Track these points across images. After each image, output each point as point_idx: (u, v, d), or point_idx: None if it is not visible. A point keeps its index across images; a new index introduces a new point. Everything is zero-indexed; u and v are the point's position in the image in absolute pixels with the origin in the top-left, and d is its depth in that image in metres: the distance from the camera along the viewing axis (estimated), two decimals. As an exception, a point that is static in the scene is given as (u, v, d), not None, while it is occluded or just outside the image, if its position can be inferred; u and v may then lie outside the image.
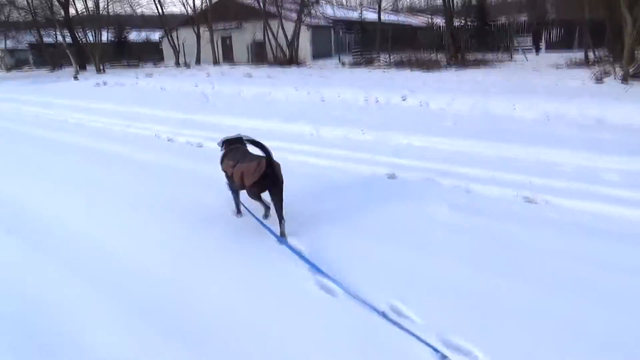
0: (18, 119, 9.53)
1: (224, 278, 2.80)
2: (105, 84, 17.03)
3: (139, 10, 30.97)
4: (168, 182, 4.83)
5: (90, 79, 20.12)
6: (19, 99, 13.65)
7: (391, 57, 21.60)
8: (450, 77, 14.68)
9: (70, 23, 30.89)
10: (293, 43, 22.51)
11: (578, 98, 8.99)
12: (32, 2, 32.14)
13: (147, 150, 6.35)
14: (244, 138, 3.65)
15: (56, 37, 36.17)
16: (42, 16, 32.02)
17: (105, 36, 31.58)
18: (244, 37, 31.30)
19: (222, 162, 3.68)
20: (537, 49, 23.49)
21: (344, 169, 5.25)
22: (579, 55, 17.89)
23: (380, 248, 3.17)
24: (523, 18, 36.02)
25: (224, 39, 32.62)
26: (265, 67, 22.76)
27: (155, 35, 41.40)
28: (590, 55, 17.05)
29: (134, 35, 40.97)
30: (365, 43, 28.84)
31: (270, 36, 24.29)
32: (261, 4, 23.74)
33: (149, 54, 38.77)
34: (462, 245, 3.21)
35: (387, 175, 4.87)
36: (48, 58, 36.37)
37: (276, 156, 3.34)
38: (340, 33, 33.76)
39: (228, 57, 32.31)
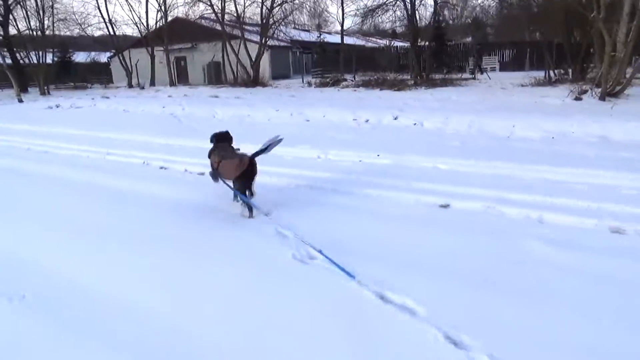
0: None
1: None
2: (58, 106, 15.64)
3: (88, 31, 29.09)
4: (194, 221, 4.04)
5: (38, 101, 18.56)
6: None
7: (356, 77, 21.45)
8: (426, 96, 14.54)
9: (10, 43, 28.77)
10: (257, 63, 21.89)
11: (572, 116, 8.93)
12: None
13: (143, 181, 5.46)
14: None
15: (-5, 58, 33.71)
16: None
17: (48, 57, 29.53)
18: (199, 58, 30.41)
19: (210, 155, 4.35)
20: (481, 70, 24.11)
21: (378, 198, 4.65)
22: (534, 74, 18.49)
23: (482, 297, 2.59)
24: (467, 39, 37.39)
25: (178, 60, 31.57)
26: (227, 88, 21.97)
27: (103, 57, 39.56)
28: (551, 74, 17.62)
29: (80, 57, 38.90)
30: (324, 64, 28.82)
31: (232, 56, 23.59)
32: (222, 24, 23.00)
33: (96, 75, 36.85)
34: (575, 291, 2.69)
35: (439, 205, 4.30)
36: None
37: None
38: (298, 54, 33.59)
39: (183, 78, 31.26)
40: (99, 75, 36.94)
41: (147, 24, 28.11)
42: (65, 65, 33.44)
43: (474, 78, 20.57)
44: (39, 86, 27.11)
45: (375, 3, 19.81)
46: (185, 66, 31.76)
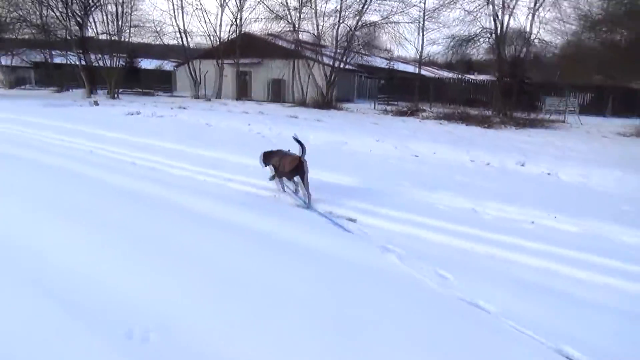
0: (68, 155, 7.55)
1: None
2: (139, 113, 15.13)
3: (161, 39, 29.18)
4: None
5: (116, 106, 18.23)
6: (43, 124, 11.60)
7: (433, 108, 20.37)
8: (523, 137, 13.26)
9: (85, 45, 29.17)
10: (333, 85, 21.11)
11: None
12: (46, 20, 30.46)
13: (290, 220, 4.46)
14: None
15: (66, 58, 34.46)
16: (57, 35, 30.25)
17: (117, 61, 29.79)
18: (263, 74, 30.02)
19: (265, 158, 5.69)
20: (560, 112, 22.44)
21: (592, 284, 3.48)
22: (623, 122, 17.03)
23: None
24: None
25: (241, 74, 31.30)
26: (298, 107, 21.28)
27: (167, 65, 39.96)
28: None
29: (144, 63, 39.45)
30: (391, 91, 27.91)
31: (300, 75, 23.04)
32: (298, 44, 22.45)
33: (159, 83, 37.19)
34: None
35: None
36: (55, 78, 34.36)
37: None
38: (362, 78, 32.82)
39: (244, 93, 30.87)
40: (162, 83, 37.25)
41: (220, 36, 27.82)
42: (132, 71, 33.76)
43: (563, 121, 19.06)
44: (109, 89, 27.24)
45: (465, 33, 18.69)
46: (249, 81, 31.40)
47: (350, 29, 19.99)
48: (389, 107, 20.90)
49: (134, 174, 6.30)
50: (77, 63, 28.54)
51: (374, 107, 23.02)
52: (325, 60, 24.42)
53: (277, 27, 22.56)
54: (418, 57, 22.58)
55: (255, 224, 4.42)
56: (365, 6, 19.10)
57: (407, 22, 19.75)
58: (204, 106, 20.34)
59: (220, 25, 28.02)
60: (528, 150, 10.45)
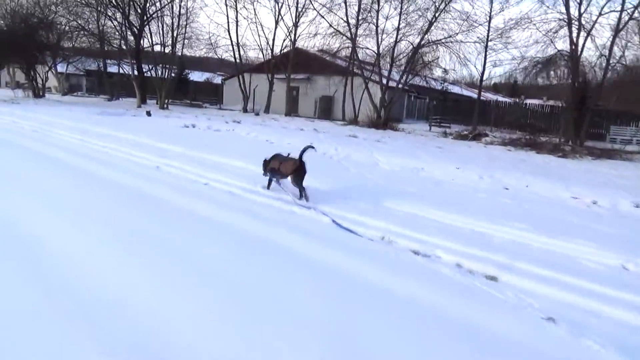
0: (135, 171, 6.90)
1: None
2: (194, 126, 14.65)
3: (219, 53, 29.19)
4: None
5: (170, 117, 17.93)
6: (103, 134, 11.14)
7: (494, 132, 19.18)
8: (609, 170, 11.95)
9: (139, 55, 29.45)
10: (390, 104, 20.25)
11: None
12: (103, 29, 31.04)
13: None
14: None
15: (119, 67, 35.03)
16: (112, 45, 30.73)
17: (168, 72, 29.91)
18: (312, 91, 29.58)
19: (268, 163, 6.22)
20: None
21: None
22: None
23: None
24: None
25: (290, 90, 30.91)
26: (353, 126, 20.49)
27: (216, 78, 40.19)
28: None
29: (193, 75, 39.79)
30: (444, 112, 26.88)
31: (354, 93, 22.34)
32: (356, 62, 21.80)
33: (206, 95, 37.34)
34: None
35: None
36: (106, 86, 34.92)
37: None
38: (412, 97, 31.88)
39: (292, 108, 30.41)
40: (209, 96, 37.38)
41: (272, 50, 27.53)
42: (181, 82, 33.95)
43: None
44: (159, 99, 27.26)
45: (538, 55, 17.49)
46: (297, 97, 30.97)
47: (414, 47, 19.09)
48: (447, 130, 19.77)
49: (213, 200, 5.54)
50: (130, 73, 28.79)
51: (429, 129, 22.01)
52: (378, 78, 23.72)
53: (335, 43, 21.94)
54: (468, 78, 21.44)
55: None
56: (432, 24, 18.19)
57: (474, 42, 18.72)
58: (256, 120, 19.84)
59: (274, 39, 27.47)
60: (630, 187, 9.21)
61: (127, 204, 5.00)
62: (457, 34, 19.07)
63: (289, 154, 6.18)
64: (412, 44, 19.38)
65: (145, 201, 5.20)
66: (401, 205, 6.04)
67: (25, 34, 26.24)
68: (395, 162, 10.24)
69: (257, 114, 25.96)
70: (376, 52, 20.58)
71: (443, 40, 18.50)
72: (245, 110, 27.99)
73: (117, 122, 14.63)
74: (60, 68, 36.58)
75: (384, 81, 22.30)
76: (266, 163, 6.28)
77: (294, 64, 26.50)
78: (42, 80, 30.46)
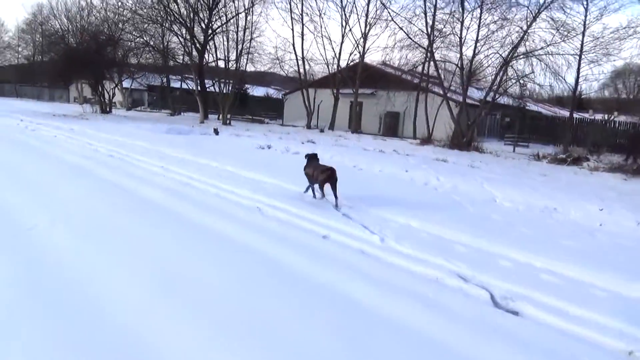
0: (232, 214, 5.75)
1: None
2: (270, 147, 13.65)
3: (280, 67, 28.56)
4: None
5: (241, 137, 17.04)
6: (179, 158, 10.18)
7: (594, 155, 17.06)
8: None
9: (202, 70, 29.26)
10: (475, 123, 18.61)
11: None
12: (167, 45, 31.16)
13: None
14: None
15: (181, 82, 35.16)
16: (176, 60, 30.76)
17: (230, 87, 29.47)
18: (376, 106, 28.21)
19: (306, 167, 6.73)
20: None
21: None
22: None
23: None
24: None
25: (356, 105, 29.77)
26: (428, 146, 19.00)
27: (275, 93, 39.71)
28: None
29: (252, 90, 39.46)
30: (519, 130, 24.84)
31: (425, 109, 20.83)
32: (430, 78, 20.37)
33: (267, 110, 36.85)
34: None
35: None
36: (170, 102, 35.12)
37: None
38: (482, 114, 29.88)
39: (357, 125, 29.19)
40: (269, 111, 36.86)
41: (339, 64, 26.53)
42: (242, 98, 33.59)
43: None
44: (222, 115, 26.77)
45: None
46: (360, 112, 29.73)
47: (504, 60, 17.36)
48: (533, 151, 17.81)
49: (338, 262, 4.24)
50: (194, 88, 28.59)
51: (513, 150, 20.14)
52: (455, 93, 22.15)
53: (409, 55, 20.58)
54: (573, 94, 19.36)
55: None
56: (526, 33, 16.44)
57: (570, 54, 16.78)
58: (327, 139, 18.69)
59: (340, 52, 26.46)
60: None
61: (256, 280, 3.74)
62: (549, 45, 17.20)
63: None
64: (500, 55, 17.60)
65: (279, 273, 3.94)
66: (576, 271, 4.52)
67: (94, 50, 26.59)
68: (515, 197, 8.62)
69: (322, 131, 24.96)
70: (458, 65, 18.97)
71: (536, 53, 16.64)
72: (309, 126, 27.05)
73: (189, 143, 13.82)
74: (125, 83, 37.23)
75: (457, 97, 20.78)
76: (308, 159, 6.94)
77: (360, 78, 25.42)
78: (110, 95, 30.84)
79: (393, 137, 24.76)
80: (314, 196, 6.63)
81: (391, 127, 27.67)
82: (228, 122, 26.45)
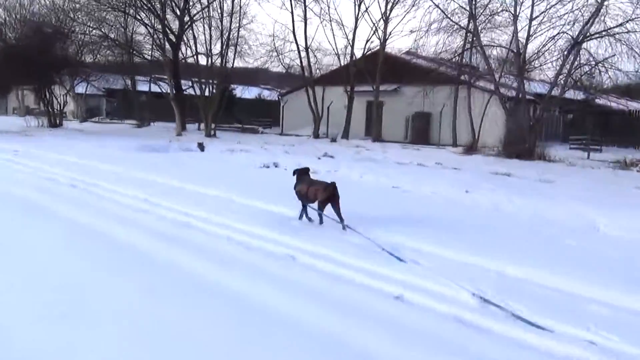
0: (261, 269, 5.18)
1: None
2: (276, 165, 13.17)
3: (285, 62, 28.35)
4: None
5: (235, 153, 16.56)
6: (174, 188, 9.66)
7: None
8: None
9: (178, 68, 28.96)
10: (539, 124, 18.16)
11: None
12: (132, 37, 30.88)
13: None
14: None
15: (150, 84, 34.85)
16: (144, 56, 30.52)
17: (212, 89, 29.01)
18: (400, 106, 27.78)
19: (297, 185, 6.88)
20: None
21: None
22: None
23: None
24: None
25: (370, 106, 29.29)
26: (475, 156, 18.50)
27: (269, 94, 39.46)
28: None
29: (240, 91, 39.00)
30: (584, 129, 24.41)
31: (467, 110, 20.45)
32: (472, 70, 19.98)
33: (259, 116, 36.42)
34: None
35: None
36: (136, 109, 34.71)
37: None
38: (537, 110, 29.51)
39: (376, 130, 28.76)
40: (262, 117, 36.43)
41: (353, 55, 26.24)
42: (229, 101, 33.03)
43: None
44: (206, 124, 26.34)
45: None
46: (381, 115, 29.29)
47: (574, 40, 16.86)
48: (625, 159, 17.24)
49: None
50: (168, 91, 28.27)
51: (588, 157, 19.66)
52: (481, 85, 21.70)
53: (446, 41, 20.23)
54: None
55: None
56: (603, 6, 15.99)
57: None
58: (345, 151, 18.27)
59: (354, 39, 26.12)
60: None
61: None
62: (627, 20, 16.77)
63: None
64: (570, 36, 17.09)
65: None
66: None
67: (38, 47, 26.14)
68: (623, 222, 8.02)
69: (334, 140, 24.58)
70: (511, 48, 18.57)
71: (616, 31, 16.17)
72: (316, 134, 26.68)
73: (171, 163, 13.39)
74: (79, 88, 36.87)
75: (507, 92, 20.31)
76: (298, 174, 7.04)
77: (375, 72, 25.09)
78: (60, 104, 30.45)
79: (425, 145, 24.32)
80: (307, 218, 6.88)
81: (421, 131, 27.27)
82: (213, 133, 26.01)
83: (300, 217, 6.89)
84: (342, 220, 6.40)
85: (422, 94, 23.37)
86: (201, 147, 18.01)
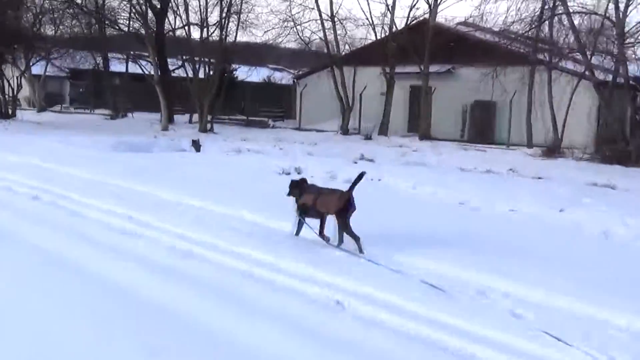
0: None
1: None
2: (299, 171, 13.01)
3: (305, 35, 28.36)
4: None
5: (243, 153, 16.68)
6: (171, 202, 9.47)
7: None
8: None
9: (164, 44, 29.05)
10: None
11: None
12: (104, 3, 31.00)
13: None
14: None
15: (127, 64, 34.97)
16: (119, 27, 30.66)
17: (208, 71, 29.06)
18: (454, 92, 27.49)
19: (300, 197, 7.01)
20: None
21: None
22: None
23: None
24: None
25: (415, 92, 29.05)
26: (558, 160, 18.30)
27: (281, 77, 39.50)
28: None
29: (243, 73, 38.92)
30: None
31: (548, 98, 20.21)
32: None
33: (268, 106, 36.46)
34: None
35: None
36: (110, 96, 34.79)
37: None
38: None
39: (422, 124, 28.50)
40: (272, 107, 36.48)
41: (392, 26, 26.11)
42: (229, 86, 32.98)
43: None
44: (200, 116, 26.35)
45: None
46: (429, 103, 29.05)
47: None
48: None
49: None
50: (151, 72, 28.30)
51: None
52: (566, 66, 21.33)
53: (524, 7, 20.07)
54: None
55: None
56: None
57: None
58: (385, 152, 18.24)
59: (394, 6, 25.96)
60: None
61: None
62: None
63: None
64: None
65: None
66: None
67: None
68: None
69: (369, 137, 24.53)
70: (607, 16, 18.28)
71: None
72: (345, 130, 26.72)
73: (160, 167, 13.48)
74: (36, 69, 37.12)
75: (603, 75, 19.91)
76: (295, 189, 7.14)
77: (422, 48, 25.00)
78: (13, 90, 30.69)
79: (488, 145, 23.94)
80: (297, 234, 7.11)
81: (482, 126, 26.95)
82: (210, 127, 26.01)
83: (298, 232, 7.10)
84: (357, 238, 6.50)
85: (484, 78, 23.10)
86: (196, 145, 17.92)
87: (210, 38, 27.50)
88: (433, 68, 26.70)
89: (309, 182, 7.61)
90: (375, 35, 27.32)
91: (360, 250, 6.42)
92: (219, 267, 6.19)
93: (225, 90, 30.17)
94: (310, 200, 6.79)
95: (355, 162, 15.45)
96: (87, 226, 7.86)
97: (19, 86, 31.95)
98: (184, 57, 28.42)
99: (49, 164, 13.14)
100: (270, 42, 30.45)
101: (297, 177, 12.44)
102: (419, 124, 26.45)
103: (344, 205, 6.47)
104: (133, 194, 9.97)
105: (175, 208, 8.93)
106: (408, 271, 5.97)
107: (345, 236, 6.68)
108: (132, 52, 33.48)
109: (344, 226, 6.55)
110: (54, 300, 5.12)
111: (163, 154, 16.66)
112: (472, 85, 24.39)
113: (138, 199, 9.56)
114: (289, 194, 7.17)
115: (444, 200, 10.78)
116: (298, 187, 7.13)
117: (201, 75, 27.75)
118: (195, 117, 28.20)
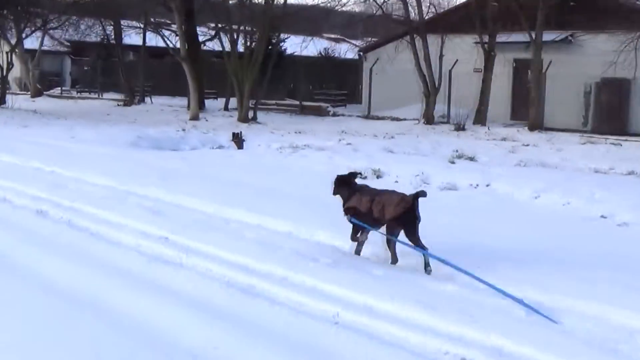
0: None
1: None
2: (378, 175, 13.18)
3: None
4: None
5: (299, 150, 16.73)
6: (199, 214, 9.53)
7: None
8: None
9: (193, 10, 29.40)
10: None
11: None
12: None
13: None
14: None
15: (144, 36, 35.38)
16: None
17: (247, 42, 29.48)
18: (572, 68, 27.23)
19: (348, 199, 7.06)
20: None
21: None
22: None
23: None
24: None
25: (518, 66, 28.87)
26: None
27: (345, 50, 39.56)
28: None
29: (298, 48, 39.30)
30: None
31: None
32: None
33: (326, 87, 36.56)
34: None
35: None
36: (122, 78, 35.19)
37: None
38: None
39: (523, 106, 28.30)
40: (331, 88, 36.55)
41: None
42: (276, 63, 33.25)
43: None
44: (240, 102, 26.50)
45: None
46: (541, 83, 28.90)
47: None
48: None
49: None
50: (178, 46, 28.59)
51: None
52: None
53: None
54: None
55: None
56: None
57: None
58: (487, 147, 18.66)
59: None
60: None
61: None
62: None
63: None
64: None
65: None
66: None
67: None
68: None
69: (461, 128, 24.45)
70: None
71: None
72: (429, 118, 26.67)
73: (194, 169, 13.93)
74: (29, 43, 37.82)
75: None
76: (343, 187, 7.25)
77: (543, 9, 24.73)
78: (2, 70, 31.31)
79: (621, 136, 23.57)
80: (353, 239, 7.21)
81: (612, 111, 26.58)
82: (253, 115, 26.23)
83: (358, 248, 7.22)
84: (424, 248, 6.54)
85: (618, 49, 22.64)
86: (238, 141, 18.00)
87: (252, 0, 27.45)
88: (547, 36, 26.40)
89: (390, 187, 7.79)
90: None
91: (427, 266, 6.50)
92: (295, 312, 5.97)
93: (272, 68, 30.49)
94: (366, 203, 6.77)
95: (453, 162, 15.45)
96: (113, 252, 7.71)
97: (9, 65, 32.48)
98: (219, 26, 28.56)
99: (53, 167, 13.30)
100: (330, 4, 30.12)
101: (377, 181, 12.46)
102: (528, 110, 26.13)
103: (404, 211, 6.47)
104: (165, 208, 10.05)
105: (223, 227, 8.93)
106: (563, 318, 5.65)
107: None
108: (152, 20, 33.80)
109: (412, 238, 6.54)
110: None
111: (195, 153, 17.02)
112: (599, 59, 24.30)
113: (172, 214, 9.65)
114: (334, 193, 7.27)
115: (576, 213, 10.69)
116: (347, 185, 7.18)
117: (240, 48, 27.88)
118: (233, 102, 28.35)
